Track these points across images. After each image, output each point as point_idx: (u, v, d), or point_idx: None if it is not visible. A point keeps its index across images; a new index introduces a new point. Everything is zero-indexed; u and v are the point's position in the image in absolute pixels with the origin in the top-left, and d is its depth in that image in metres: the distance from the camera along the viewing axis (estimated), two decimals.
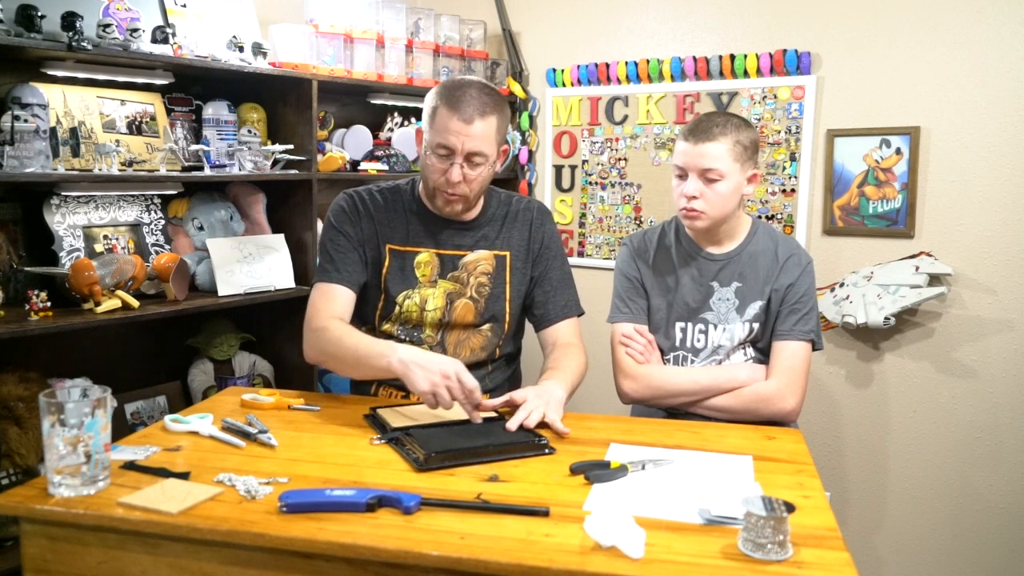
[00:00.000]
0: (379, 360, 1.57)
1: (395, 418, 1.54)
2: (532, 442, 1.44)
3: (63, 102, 2.07)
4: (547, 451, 1.43)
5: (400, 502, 1.16)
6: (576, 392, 1.73)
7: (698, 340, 1.88)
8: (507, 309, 1.84)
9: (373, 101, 2.93)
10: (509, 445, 1.42)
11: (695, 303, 1.88)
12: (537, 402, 1.54)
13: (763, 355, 1.87)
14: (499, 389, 1.82)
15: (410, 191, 1.86)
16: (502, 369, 1.89)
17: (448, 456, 1.35)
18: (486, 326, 1.83)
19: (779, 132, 2.71)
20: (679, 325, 1.89)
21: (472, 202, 1.77)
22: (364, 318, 1.85)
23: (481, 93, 1.69)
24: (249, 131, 2.34)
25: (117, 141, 2.14)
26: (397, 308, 1.80)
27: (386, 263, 1.80)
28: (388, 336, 1.82)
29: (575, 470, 1.31)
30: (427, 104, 1.74)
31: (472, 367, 1.82)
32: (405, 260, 1.81)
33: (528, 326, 1.94)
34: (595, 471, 1.30)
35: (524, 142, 3.19)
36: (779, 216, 2.74)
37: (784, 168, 2.72)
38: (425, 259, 1.81)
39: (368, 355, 1.60)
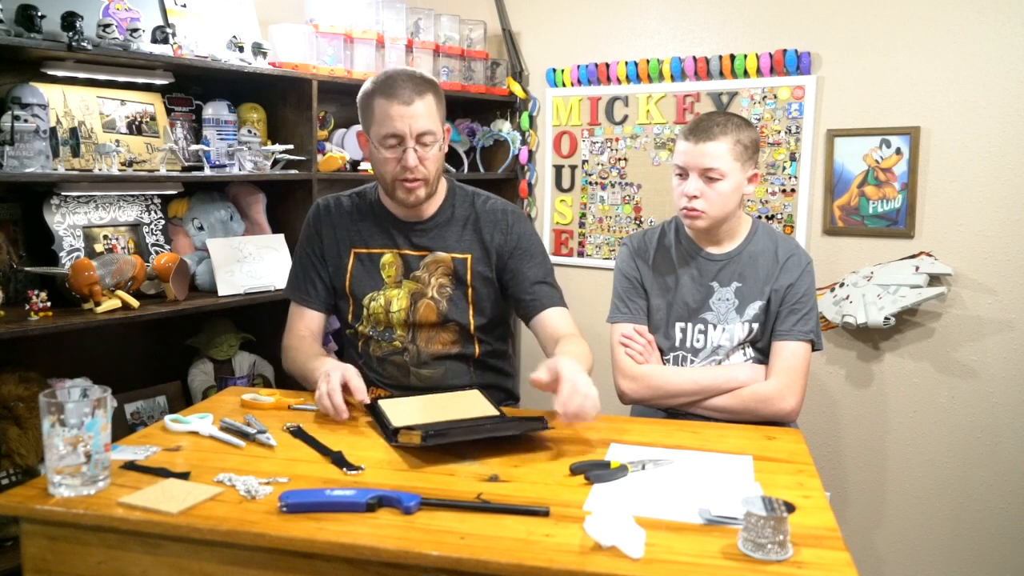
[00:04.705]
0: (315, 375, 1.67)
1: (396, 414, 1.53)
2: (530, 422, 1.47)
3: (63, 102, 2.07)
4: (547, 428, 1.44)
5: (400, 502, 1.16)
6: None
7: (697, 340, 1.88)
8: (469, 311, 1.84)
9: None
10: (507, 423, 1.47)
11: (695, 303, 1.88)
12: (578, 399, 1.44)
13: (763, 355, 1.87)
14: (489, 389, 1.81)
15: (373, 194, 1.90)
16: (486, 367, 1.90)
17: (446, 434, 1.36)
18: (450, 325, 1.84)
19: (779, 132, 2.71)
20: (679, 325, 1.89)
21: (432, 185, 1.78)
22: (343, 321, 1.92)
23: (411, 77, 1.73)
24: (249, 131, 2.34)
25: (117, 141, 2.14)
26: (364, 311, 1.85)
27: (349, 267, 1.85)
28: (365, 337, 1.87)
29: (575, 470, 1.31)
30: (361, 104, 1.78)
31: (450, 359, 1.85)
32: (371, 262, 1.85)
33: (520, 327, 1.95)
34: (595, 471, 1.30)
35: (524, 142, 3.19)
36: (779, 216, 2.74)
37: (784, 168, 2.72)
38: (389, 260, 1.84)
39: (312, 370, 1.71)
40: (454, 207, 1.86)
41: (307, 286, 1.89)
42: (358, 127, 2.80)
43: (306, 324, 1.88)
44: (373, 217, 1.87)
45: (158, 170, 2.17)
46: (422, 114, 1.69)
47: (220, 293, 2.23)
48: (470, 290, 1.84)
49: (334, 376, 1.57)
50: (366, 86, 1.77)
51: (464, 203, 1.88)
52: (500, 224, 1.85)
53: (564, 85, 3.11)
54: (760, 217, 2.70)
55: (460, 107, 3.22)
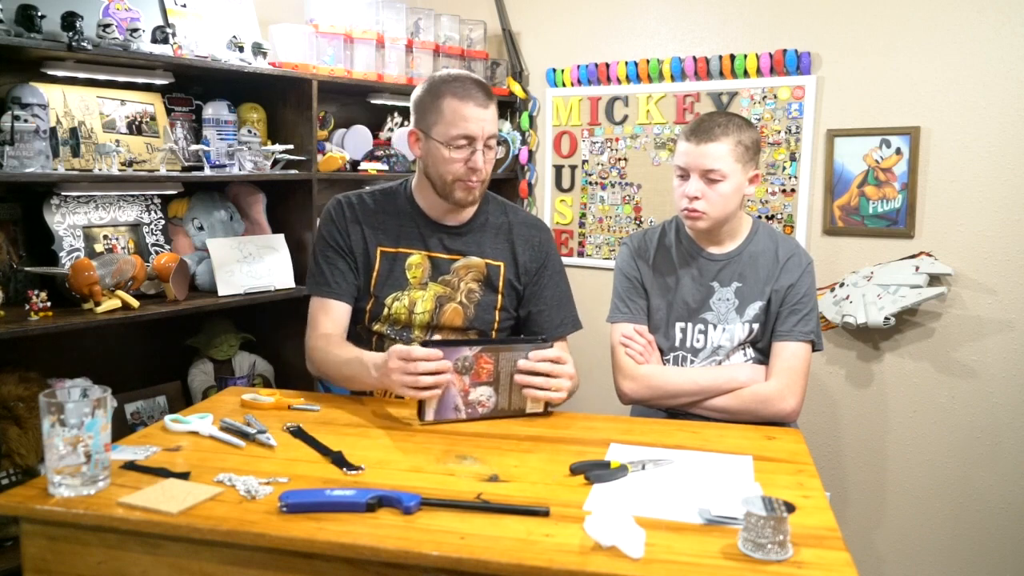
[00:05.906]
0: (367, 378, 1.63)
1: None
2: (531, 339, 1.60)
3: (63, 102, 2.07)
4: (543, 340, 1.61)
5: (400, 502, 1.16)
6: (576, 392, 1.74)
7: (698, 340, 1.88)
8: (496, 318, 1.84)
9: (373, 101, 2.93)
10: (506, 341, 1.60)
11: (695, 303, 1.88)
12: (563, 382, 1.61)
13: (763, 355, 1.87)
14: None
15: (403, 193, 1.87)
16: None
17: (443, 344, 1.48)
18: (473, 331, 1.83)
19: (779, 132, 2.71)
20: (679, 325, 1.89)
21: (486, 187, 1.82)
22: (355, 318, 1.86)
23: (479, 81, 1.76)
24: (249, 131, 2.34)
25: (117, 141, 2.14)
26: (385, 310, 1.82)
27: (376, 266, 1.82)
28: (379, 336, 1.84)
29: (575, 470, 1.31)
30: (424, 103, 1.75)
31: None
32: (396, 262, 1.82)
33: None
34: (595, 471, 1.30)
35: (524, 142, 3.19)
36: (779, 216, 2.74)
37: (784, 168, 2.72)
38: (416, 261, 1.82)
39: (357, 370, 1.66)
40: (488, 214, 1.86)
41: (335, 278, 1.80)
42: (359, 126, 2.83)
43: (333, 320, 1.80)
44: (402, 216, 1.84)
45: (158, 170, 2.17)
46: (492, 118, 1.73)
47: (220, 293, 2.23)
48: (500, 297, 1.83)
49: (394, 351, 1.52)
50: (430, 86, 1.75)
51: (497, 211, 1.88)
52: (532, 240, 1.86)
53: (564, 85, 3.11)
54: (760, 217, 2.70)
55: None
